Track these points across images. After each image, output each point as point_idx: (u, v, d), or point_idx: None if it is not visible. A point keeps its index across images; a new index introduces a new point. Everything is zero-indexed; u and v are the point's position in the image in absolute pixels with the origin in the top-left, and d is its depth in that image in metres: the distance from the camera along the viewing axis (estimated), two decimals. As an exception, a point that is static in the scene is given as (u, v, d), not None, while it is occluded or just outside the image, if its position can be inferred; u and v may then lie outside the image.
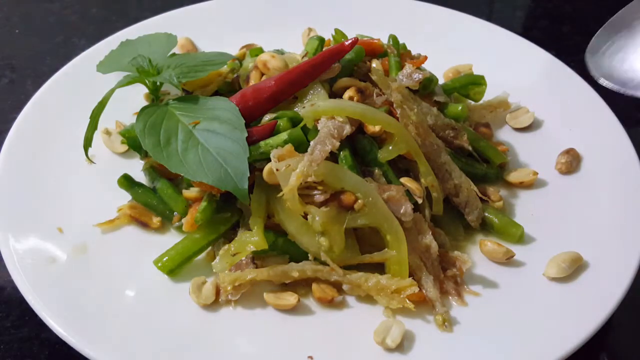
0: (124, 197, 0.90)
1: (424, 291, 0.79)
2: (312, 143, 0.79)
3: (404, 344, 0.75)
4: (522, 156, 0.99)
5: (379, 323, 0.76)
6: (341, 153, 0.83)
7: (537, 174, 0.93)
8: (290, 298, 0.78)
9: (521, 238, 0.86)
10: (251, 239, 0.80)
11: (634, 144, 0.95)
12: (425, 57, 0.98)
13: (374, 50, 0.97)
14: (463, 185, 0.88)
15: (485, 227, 0.89)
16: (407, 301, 0.76)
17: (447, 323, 0.76)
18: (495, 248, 0.84)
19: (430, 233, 0.82)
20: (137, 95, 1.00)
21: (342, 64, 0.91)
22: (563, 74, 1.08)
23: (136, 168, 0.93)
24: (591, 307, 0.76)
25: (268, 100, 0.86)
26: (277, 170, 0.77)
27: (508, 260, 0.84)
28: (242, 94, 0.87)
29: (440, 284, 0.80)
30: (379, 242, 0.80)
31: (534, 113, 1.02)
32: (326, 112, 0.83)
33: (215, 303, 0.78)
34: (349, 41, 0.90)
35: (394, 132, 0.84)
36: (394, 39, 1.00)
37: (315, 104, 0.84)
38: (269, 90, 0.86)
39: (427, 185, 0.85)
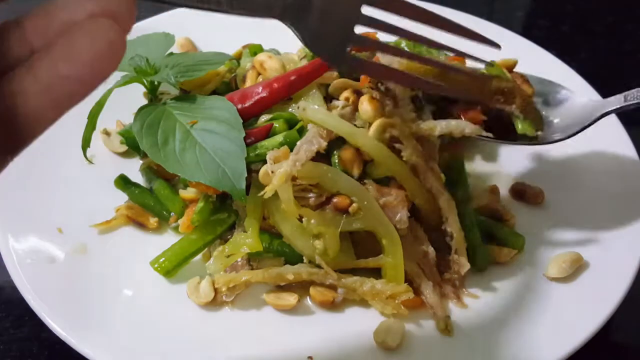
0: (125, 198, 0.90)
1: (424, 298, 0.79)
2: (298, 143, 0.79)
3: (404, 343, 0.74)
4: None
5: (379, 323, 0.76)
6: (334, 155, 0.82)
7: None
8: (290, 298, 0.78)
9: (522, 248, 0.85)
10: (246, 241, 0.79)
11: (634, 144, 0.95)
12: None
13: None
14: (455, 237, 0.81)
15: (486, 237, 0.87)
16: (402, 307, 0.76)
17: (449, 327, 0.76)
18: (495, 248, 0.84)
19: (427, 239, 0.82)
20: (139, 95, 1.00)
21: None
22: (563, 74, 1.08)
23: (136, 168, 0.93)
24: (592, 307, 0.76)
25: (254, 107, 0.86)
26: (272, 172, 0.77)
27: (509, 261, 0.84)
28: (229, 98, 0.86)
29: (438, 287, 0.80)
30: (376, 247, 0.80)
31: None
32: (311, 121, 0.82)
33: (215, 302, 0.78)
34: None
35: (377, 160, 0.80)
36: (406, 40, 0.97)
37: (306, 109, 0.83)
38: (256, 95, 0.86)
39: (415, 203, 0.83)
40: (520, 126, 0.84)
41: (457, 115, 0.81)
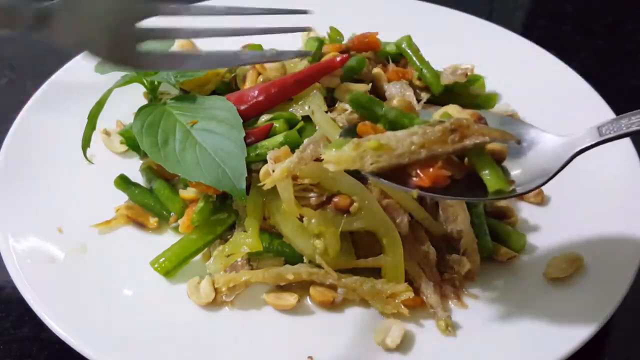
0: (124, 198, 0.90)
1: (425, 298, 0.79)
2: (305, 141, 0.79)
3: (404, 343, 0.74)
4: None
5: (379, 323, 0.76)
6: None
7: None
8: (290, 298, 0.78)
9: (524, 247, 0.85)
10: (246, 241, 0.79)
11: (634, 144, 0.95)
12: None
13: (370, 46, 0.96)
14: (465, 235, 0.82)
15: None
16: (402, 306, 0.76)
17: (451, 328, 0.76)
18: (495, 245, 0.84)
19: (428, 240, 0.82)
20: (139, 95, 1.00)
21: (343, 70, 0.90)
22: (563, 74, 1.08)
23: (136, 168, 0.93)
24: (591, 307, 0.76)
25: (250, 110, 0.86)
26: (273, 171, 0.77)
27: (508, 260, 0.84)
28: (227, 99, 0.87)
29: (438, 287, 0.80)
30: (376, 247, 0.80)
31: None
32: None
33: (215, 302, 0.78)
34: (340, 58, 0.88)
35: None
36: (407, 40, 0.99)
37: (315, 112, 0.82)
38: (252, 99, 0.86)
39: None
40: (492, 181, 0.69)
41: (415, 175, 0.70)
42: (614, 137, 0.71)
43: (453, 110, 0.78)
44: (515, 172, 0.74)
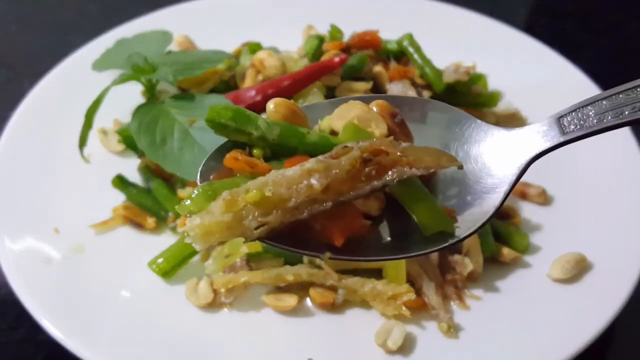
0: (122, 197, 0.89)
1: (426, 299, 0.78)
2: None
3: (406, 346, 0.74)
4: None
5: (380, 324, 0.75)
6: None
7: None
8: (290, 299, 0.78)
9: (526, 247, 0.84)
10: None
11: (637, 144, 0.94)
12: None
13: (371, 44, 0.95)
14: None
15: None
16: (403, 308, 0.75)
17: (453, 329, 0.75)
18: (499, 245, 0.83)
19: None
20: (136, 93, 0.99)
21: (343, 69, 0.89)
22: (566, 72, 1.07)
23: (133, 167, 0.93)
24: (595, 308, 0.75)
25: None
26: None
27: (511, 261, 0.83)
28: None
29: (440, 289, 0.79)
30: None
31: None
32: None
33: (214, 303, 0.78)
34: (339, 58, 0.87)
35: None
36: (409, 38, 0.98)
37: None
38: (249, 99, 0.85)
39: None
40: (429, 223, 0.52)
41: (320, 227, 0.51)
42: (581, 136, 0.53)
43: (355, 110, 0.53)
44: (452, 194, 0.55)
